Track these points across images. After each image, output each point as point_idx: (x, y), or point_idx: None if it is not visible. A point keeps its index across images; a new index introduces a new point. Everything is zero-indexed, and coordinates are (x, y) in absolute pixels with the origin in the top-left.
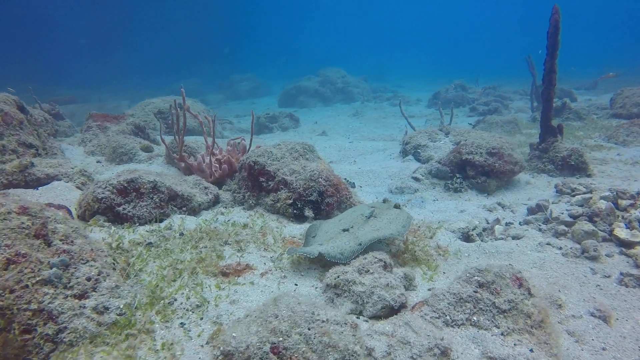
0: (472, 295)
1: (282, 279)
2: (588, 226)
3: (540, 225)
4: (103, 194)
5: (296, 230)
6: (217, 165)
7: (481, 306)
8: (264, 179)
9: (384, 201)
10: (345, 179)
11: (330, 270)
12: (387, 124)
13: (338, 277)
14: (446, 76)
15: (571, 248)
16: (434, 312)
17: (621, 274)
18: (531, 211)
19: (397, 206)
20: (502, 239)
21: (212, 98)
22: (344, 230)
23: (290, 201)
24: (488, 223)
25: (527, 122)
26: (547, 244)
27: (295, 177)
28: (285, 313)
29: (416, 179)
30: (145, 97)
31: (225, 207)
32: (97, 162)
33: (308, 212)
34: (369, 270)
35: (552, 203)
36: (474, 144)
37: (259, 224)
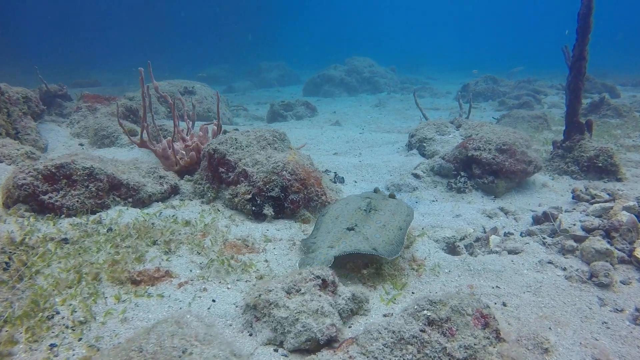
0: (416, 336)
1: (201, 292)
2: (601, 244)
3: (544, 238)
4: (24, 179)
5: (251, 230)
6: (185, 152)
7: (427, 351)
8: (223, 170)
9: (375, 191)
10: (334, 172)
11: (255, 286)
12: (408, 116)
13: (260, 296)
14: (481, 69)
15: (577, 270)
16: (363, 354)
17: (637, 309)
18: (537, 220)
19: (392, 196)
20: (496, 252)
21: (239, 85)
22: (349, 229)
23: (249, 196)
24: (485, 232)
25: (559, 119)
26: (548, 262)
27: (257, 168)
28: (151, 347)
29: (416, 176)
30: None
31: (182, 200)
32: (80, 144)
33: (267, 210)
34: (300, 290)
35: (565, 211)
36: (482, 139)
37: (205, 222)
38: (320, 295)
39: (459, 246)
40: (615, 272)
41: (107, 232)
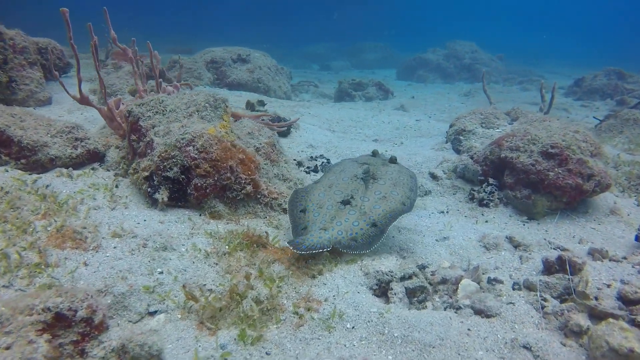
0: None
1: None
2: (623, 336)
3: (545, 299)
4: None
5: (127, 218)
6: None
7: None
8: (135, 137)
9: (374, 154)
10: (326, 159)
11: None
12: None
13: None
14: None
15: None
16: None
17: None
18: (547, 267)
19: (393, 160)
20: (458, 308)
21: (336, 64)
22: (343, 202)
23: (147, 173)
24: (464, 270)
25: None
26: (524, 346)
27: (165, 140)
28: None
29: (433, 177)
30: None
31: (93, 169)
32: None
33: (161, 195)
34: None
35: (612, 260)
36: (526, 136)
37: (62, 199)
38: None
39: (392, 290)
40: None
41: None
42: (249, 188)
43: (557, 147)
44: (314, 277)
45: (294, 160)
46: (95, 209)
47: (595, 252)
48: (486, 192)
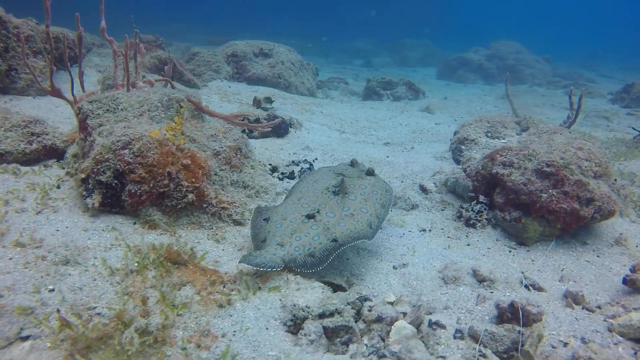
0: None
1: None
2: None
3: (483, 355)
4: None
5: (37, 224)
6: None
7: None
8: (82, 136)
9: (352, 164)
10: (309, 163)
11: None
12: (531, 113)
13: None
14: None
15: None
16: None
17: None
18: (500, 314)
19: (370, 172)
20: (382, 356)
21: (378, 61)
22: (308, 217)
23: (84, 176)
24: (413, 306)
25: None
26: None
27: (104, 140)
28: None
29: (423, 190)
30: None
31: (45, 166)
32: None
33: (93, 200)
34: None
35: (586, 309)
36: (522, 150)
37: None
38: None
39: (306, 327)
40: None
41: None
42: (191, 197)
43: (553, 166)
44: (221, 306)
45: (269, 165)
46: (18, 212)
47: (570, 296)
48: (474, 211)
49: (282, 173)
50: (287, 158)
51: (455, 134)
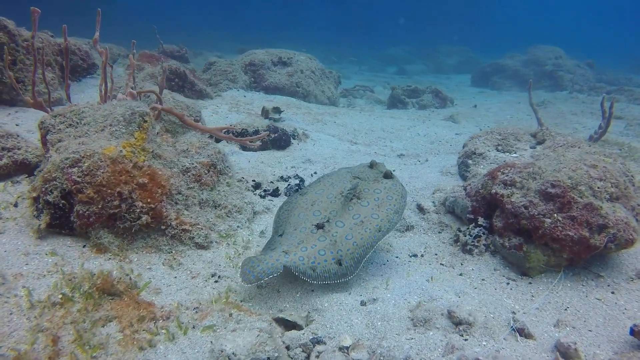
0: None
1: None
2: None
3: None
4: None
5: None
6: None
7: None
8: (43, 151)
9: (371, 166)
10: (299, 180)
11: None
12: (567, 122)
13: None
14: None
15: None
16: None
17: None
18: None
19: (387, 175)
20: None
21: (412, 68)
22: (317, 226)
23: (35, 194)
24: (372, 352)
25: None
26: None
27: (55, 158)
28: None
29: (421, 209)
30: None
31: (12, 182)
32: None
33: (40, 220)
34: None
35: None
36: (527, 168)
37: None
38: None
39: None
40: None
41: None
42: (145, 218)
43: (558, 187)
44: (141, 348)
45: (253, 181)
46: None
47: (561, 349)
48: (471, 236)
49: (265, 190)
50: (282, 172)
51: (463, 146)
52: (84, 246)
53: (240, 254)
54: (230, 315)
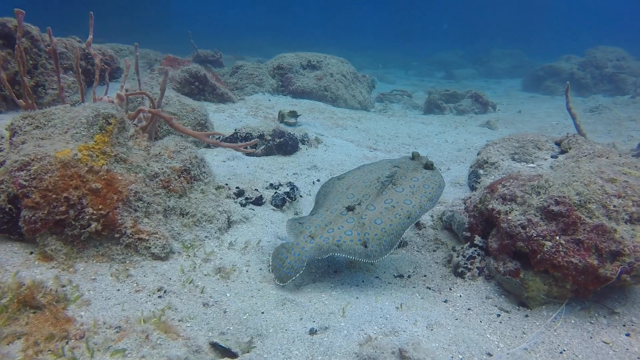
0: None
1: None
2: None
3: None
4: None
5: None
6: None
7: None
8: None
9: (413, 157)
10: (290, 187)
11: None
12: (621, 129)
13: None
14: None
15: None
16: None
17: None
18: None
19: (428, 166)
20: None
21: (461, 73)
22: (348, 209)
23: None
24: None
25: None
26: None
27: (9, 160)
28: None
29: (417, 224)
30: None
31: None
32: None
33: None
34: None
35: None
36: (531, 181)
37: None
38: None
39: None
40: None
41: None
42: (94, 225)
43: (563, 204)
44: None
45: (237, 188)
46: None
47: None
48: (464, 257)
49: (247, 198)
50: (280, 179)
51: (478, 154)
52: (31, 253)
53: (196, 266)
54: (147, 337)
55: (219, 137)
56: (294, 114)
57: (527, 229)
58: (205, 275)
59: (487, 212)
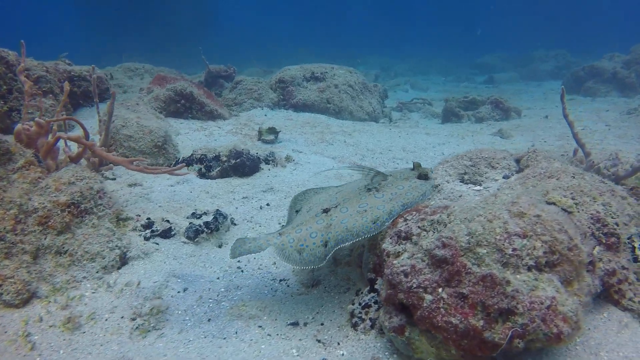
0: None
1: None
2: None
3: None
4: None
5: None
6: None
7: None
8: None
9: (414, 167)
10: (222, 213)
11: None
12: None
13: None
14: None
15: None
16: None
17: None
18: None
19: (422, 176)
20: None
21: (502, 76)
22: (324, 211)
23: None
24: None
25: None
26: None
27: None
28: None
29: (335, 260)
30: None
31: None
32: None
33: None
34: None
35: None
36: (434, 214)
37: None
38: None
39: None
40: None
41: None
42: None
43: (449, 247)
44: None
45: (147, 219)
46: None
47: None
48: (359, 305)
49: (153, 231)
50: (215, 206)
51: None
52: None
53: (45, 315)
54: None
55: (164, 164)
56: (272, 131)
57: (409, 277)
58: (50, 326)
59: (380, 253)
